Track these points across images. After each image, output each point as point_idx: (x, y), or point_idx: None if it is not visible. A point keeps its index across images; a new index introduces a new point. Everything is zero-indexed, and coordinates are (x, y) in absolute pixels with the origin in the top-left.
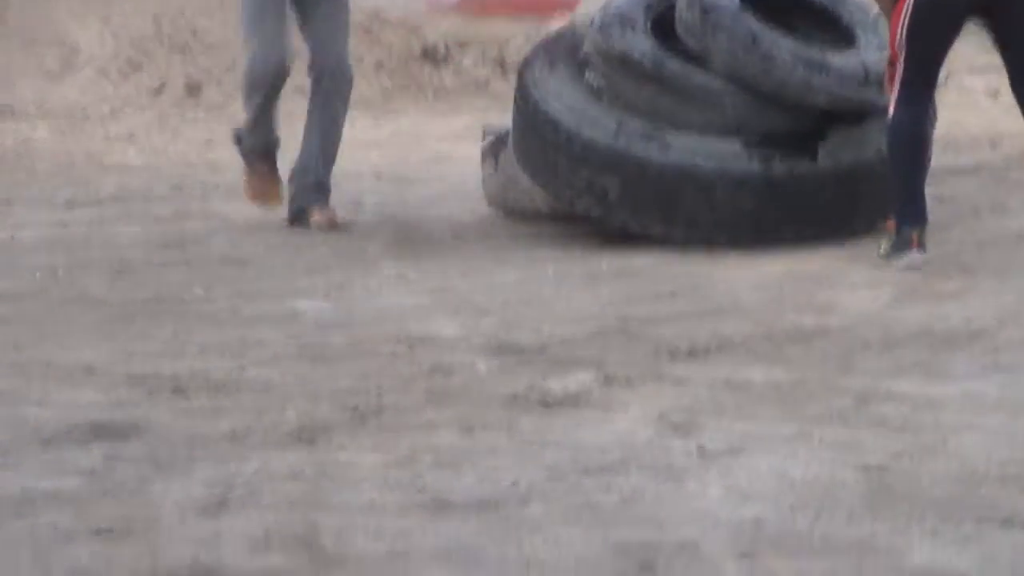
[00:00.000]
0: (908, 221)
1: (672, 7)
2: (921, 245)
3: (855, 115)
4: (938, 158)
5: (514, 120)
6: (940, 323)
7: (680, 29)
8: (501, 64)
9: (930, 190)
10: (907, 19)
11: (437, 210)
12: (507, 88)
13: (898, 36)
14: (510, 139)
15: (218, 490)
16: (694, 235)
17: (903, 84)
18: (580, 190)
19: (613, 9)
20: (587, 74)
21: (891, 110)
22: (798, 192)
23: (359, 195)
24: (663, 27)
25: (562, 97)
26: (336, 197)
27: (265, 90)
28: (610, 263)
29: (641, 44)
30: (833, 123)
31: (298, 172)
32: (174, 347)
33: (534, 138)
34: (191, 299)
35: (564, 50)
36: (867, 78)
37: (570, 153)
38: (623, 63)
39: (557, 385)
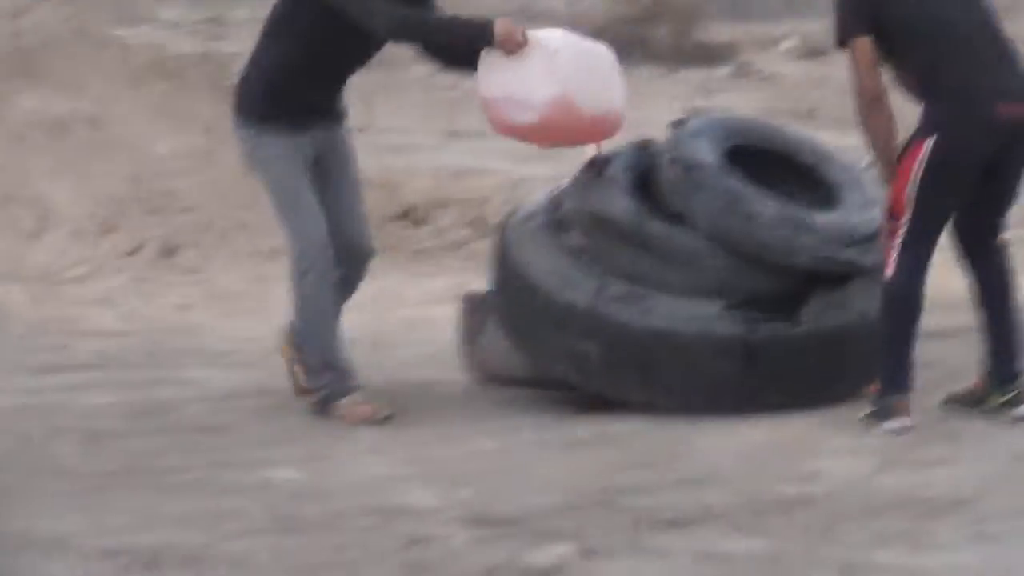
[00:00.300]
0: (894, 388)
1: (654, 165)
2: (905, 411)
3: (839, 277)
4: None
5: (492, 281)
6: (923, 491)
7: (662, 188)
8: (479, 224)
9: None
10: (918, 179)
11: (414, 375)
12: (486, 249)
13: (906, 195)
14: (487, 301)
15: None
16: (674, 401)
17: (905, 244)
18: (559, 355)
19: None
20: (567, 234)
21: (889, 271)
22: (781, 356)
23: None
24: (645, 185)
25: (541, 258)
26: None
27: (323, 268)
28: (588, 429)
29: (621, 203)
30: (816, 285)
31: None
32: (147, 518)
33: (512, 300)
34: (165, 468)
35: (543, 210)
36: (852, 239)
37: (549, 316)
38: (602, 223)
39: (535, 558)
